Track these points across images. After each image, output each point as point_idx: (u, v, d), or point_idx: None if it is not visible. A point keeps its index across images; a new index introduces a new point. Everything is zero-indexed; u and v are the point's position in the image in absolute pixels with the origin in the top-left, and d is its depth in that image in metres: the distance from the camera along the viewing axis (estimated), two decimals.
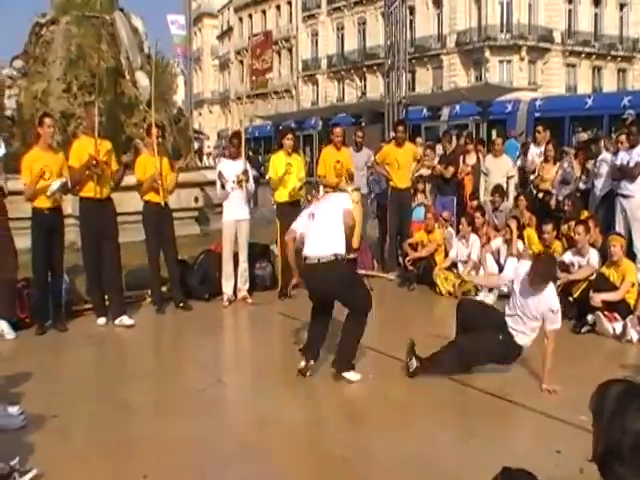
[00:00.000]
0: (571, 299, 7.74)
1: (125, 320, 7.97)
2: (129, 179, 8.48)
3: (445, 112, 27.12)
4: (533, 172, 11.21)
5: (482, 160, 11.92)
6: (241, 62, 68.87)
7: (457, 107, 26.71)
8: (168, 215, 8.64)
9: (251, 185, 9.16)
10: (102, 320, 8.02)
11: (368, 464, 4.49)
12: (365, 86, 54.29)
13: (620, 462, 2.31)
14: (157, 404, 5.52)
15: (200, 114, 68.96)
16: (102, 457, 4.61)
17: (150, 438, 4.88)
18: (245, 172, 8.91)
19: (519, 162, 12.31)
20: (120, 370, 6.66)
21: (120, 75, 13.77)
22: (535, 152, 12.38)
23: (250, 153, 22.41)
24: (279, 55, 63.68)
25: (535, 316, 5.85)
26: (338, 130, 10.46)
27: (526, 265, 6.01)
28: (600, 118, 21.49)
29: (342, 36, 57.88)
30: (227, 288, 8.96)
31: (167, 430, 4.98)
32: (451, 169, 11.34)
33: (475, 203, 10.82)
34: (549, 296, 5.81)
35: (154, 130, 8.48)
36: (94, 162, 7.62)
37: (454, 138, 12.24)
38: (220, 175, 8.97)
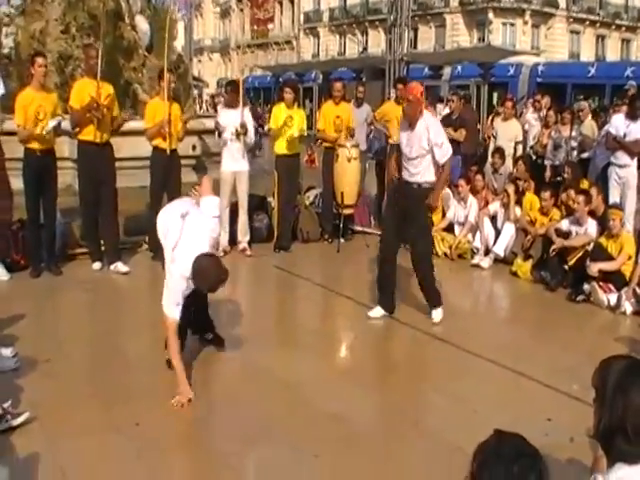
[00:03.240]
0: (566, 267, 7.75)
1: (120, 267, 7.94)
2: (129, 124, 8.37)
3: (447, 72, 26.86)
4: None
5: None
6: (242, 10, 67.88)
7: (459, 67, 26.45)
8: (176, 162, 8.52)
9: (250, 138, 9.02)
10: (97, 265, 7.99)
11: (358, 420, 4.51)
12: (367, 41, 53.63)
13: (623, 438, 2.31)
14: (150, 353, 5.50)
15: (200, 61, 68.15)
16: (94, 403, 4.62)
17: (142, 386, 4.90)
18: (243, 125, 8.76)
19: None
20: (114, 316, 6.66)
21: (119, 18, 13.48)
22: (532, 117, 12.32)
23: (250, 103, 22.14)
24: (281, 5, 62.79)
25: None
26: (338, 85, 10.31)
27: None
28: (602, 87, 21.37)
29: None
30: (223, 238, 8.91)
31: (159, 379, 5.00)
32: (463, 132, 11.23)
33: (474, 168, 10.75)
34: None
35: (166, 75, 8.30)
36: (95, 104, 7.50)
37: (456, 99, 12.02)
38: (217, 124, 8.89)
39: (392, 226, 6.68)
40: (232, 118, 8.85)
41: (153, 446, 4.08)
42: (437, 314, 6.60)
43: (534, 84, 22.30)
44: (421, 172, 6.40)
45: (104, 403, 4.63)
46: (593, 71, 22.86)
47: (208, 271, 4.56)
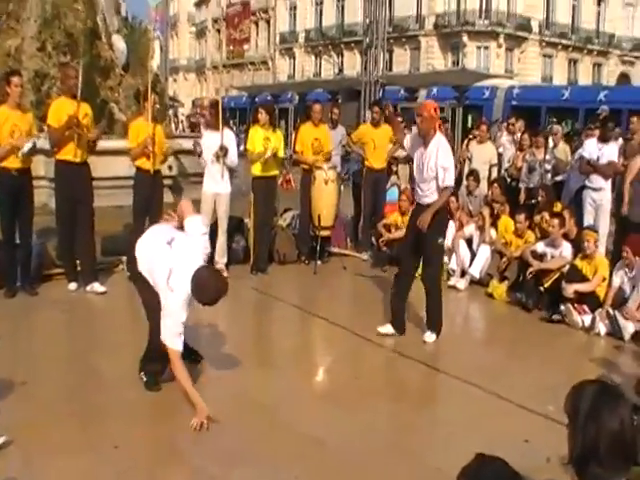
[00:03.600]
0: (542, 289, 7.84)
1: (96, 287, 7.88)
2: (105, 144, 8.34)
3: (422, 94, 27.07)
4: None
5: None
6: (218, 31, 68.08)
7: (435, 90, 26.69)
8: (159, 183, 8.52)
9: (230, 160, 8.97)
10: (73, 285, 7.92)
11: (337, 442, 4.52)
12: (342, 63, 54.01)
13: (597, 462, 2.36)
14: (128, 373, 5.46)
15: (175, 81, 68.15)
16: (73, 425, 4.58)
17: (121, 407, 4.85)
18: (222, 147, 8.77)
19: None
20: (91, 337, 6.60)
21: (96, 37, 13.50)
22: (507, 140, 12.48)
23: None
24: (257, 26, 63.09)
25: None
26: (317, 107, 10.36)
27: None
28: (576, 111, 21.68)
29: (320, 11, 57.40)
30: (219, 258, 8.91)
31: (138, 400, 4.97)
32: None
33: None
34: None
35: (150, 96, 8.31)
36: (76, 121, 7.48)
37: None
38: (195, 145, 8.90)
39: (408, 248, 6.84)
40: (214, 140, 8.84)
41: (132, 467, 4.06)
42: (430, 337, 6.69)
43: (509, 107, 22.58)
44: (430, 194, 6.54)
45: (82, 425, 4.60)
46: (567, 94, 23.21)
47: (208, 282, 4.56)
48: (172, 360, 4.68)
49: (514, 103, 23.27)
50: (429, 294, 6.80)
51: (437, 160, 6.41)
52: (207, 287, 4.54)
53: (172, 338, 4.66)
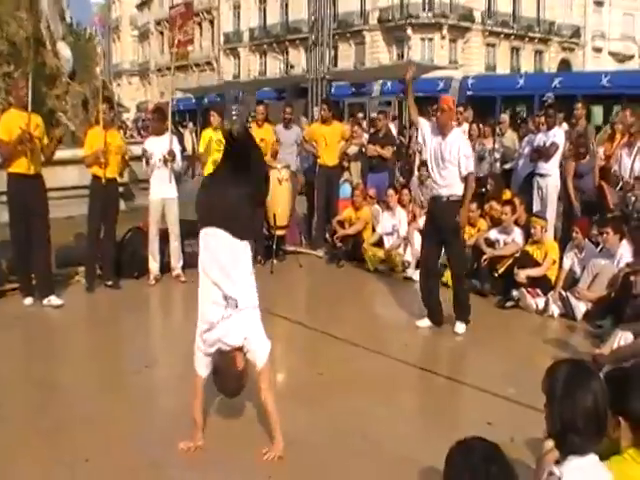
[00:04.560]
0: (496, 275, 8.01)
1: (53, 300, 7.76)
2: (61, 154, 8.29)
3: (376, 88, 27.07)
4: None
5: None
6: (161, 33, 67.48)
7: (389, 84, 26.73)
8: (113, 192, 8.47)
9: (178, 164, 8.98)
10: (29, 300, 7.75)
11: (307, 438, 4.58)
12: (287, 60, 54.00)
13: (575, 434, 2.61)
14: (93, 386, 5.46)
15: (119, 85, 67.32)
16: (41, 442, 4.55)
17: (89, 421, 4.82)
18: (170, 152, 8.73)
19: None
20: (52, 352, 6.50)
21: (41, 45, 13.28)
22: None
23: (179, 128, 22.02)
24: (200, 27, 62.66)
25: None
26: (260, 108, 10.45)
27: None
28: (531, 98, 21.81)
29: (264, 9, 57.35)
30: (153, 266, 8.86)
31: (106, 412, 4.94)
32: (390, 149, 11.45)
33: (402, 180, 10.99)
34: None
35: (101, 104, 8.27)
36: (28, 136, 7.40)
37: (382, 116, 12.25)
38: (144, 151, 8.84)
39: (430, 242, 7.02)
40: (159, 145, 8.81)
41: None
42: (461, 327, 6.88)
43: (464, 97, 22.66)
44: (449, 184, 6.74)
45: (51, 441, 4.56)
46: (522, 82, 23.37)
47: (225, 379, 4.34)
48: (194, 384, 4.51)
49: (470, 93, 23.36)
50: (456, 283, 7.03)
51: (460, 149, 6.66)
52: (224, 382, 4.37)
53: (200, 367, 4.52)
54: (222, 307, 4.28)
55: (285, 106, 12.02)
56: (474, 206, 8.84)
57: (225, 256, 4.30)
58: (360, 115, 17.04)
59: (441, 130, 6.76)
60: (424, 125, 7.02)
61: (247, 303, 4.40)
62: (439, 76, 26.25)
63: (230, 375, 4.26)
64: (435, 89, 24.36)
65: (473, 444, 2.44)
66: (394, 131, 13.27)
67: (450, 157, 6.66)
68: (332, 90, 24.06)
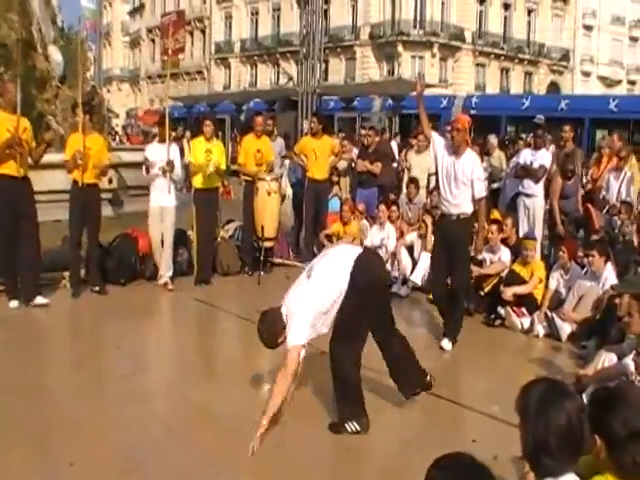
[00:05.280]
0: (482, 293, 8.06)
1: (39, 300, 7.78)
2: (49, 157, 8.27)
3: (376, 104, 26.96)
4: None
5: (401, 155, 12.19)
6: (152, 40, 67.53)
7: (389, 100, 26.68)
8: (93, 196, 8.44)
9: (177, 174, 8.98)
10: (14, 303, 7.73)
11: (294, 448, 4.60)
12: (278, 73, 54.15)
13: (548, 456, 2.54)
14: (79, 391, 5.44)
15: (109, 91, 67.24)
16: (26, 446, 4.52)
17: (74, 425, 4.82)
18: (169, 163, 8.73)
19: None
20: (38, 356, 6.45)
21: (31, 48, 13.26)
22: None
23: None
24: (191, 36, 62.75)
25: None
26: (259, 119, 10.43)
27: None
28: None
29: (256, 21, 57.53)
30: (164, 272, 8.90)
31: (91, 417, 4.93)
32: (379, 164, 11.48)
33: (392, 197, 11.04)
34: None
35: (79, 110, 8.29)
36: (18, 140, 7.39)
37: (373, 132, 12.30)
38: (145, 160, 8.81)
39: (440, 260, 7.05)
40: (161, 154, 8.82)
41: None
42: (448, 345, 6.89)
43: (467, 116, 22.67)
44: (459, 203, 6.80)
45: (36, 445, 4.55)
46: (527, 103, 23.29)
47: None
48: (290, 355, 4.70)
49: (473, 112, 23.33)
50: (454, 302, 7.02)
51: (473, 171, 6.72)
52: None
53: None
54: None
55: (267, 118, 12.04)
56: (494, 227, 8.63)
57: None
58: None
59: (455, 149, 6.80)
60: (437, 140, 7.04)
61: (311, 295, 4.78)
62: (441, 93, 26.16)
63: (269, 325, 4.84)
64: (438, 106, 24.29)
65: (452, 459, 2.42)
66: (395, 149, 13.27)
67: (463, 178, 6.71)
68: (321, 104, 24.09)
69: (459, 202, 6.81)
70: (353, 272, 4.70)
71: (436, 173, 7.50)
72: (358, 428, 4.82)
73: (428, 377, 5.33)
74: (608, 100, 21.22)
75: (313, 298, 4.75)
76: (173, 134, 19.12)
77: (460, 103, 25.01)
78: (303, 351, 4.76)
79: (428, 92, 26.82)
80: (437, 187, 7.30)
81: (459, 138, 6.76)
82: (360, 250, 5.08)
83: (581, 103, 22.72)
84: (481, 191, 6.82)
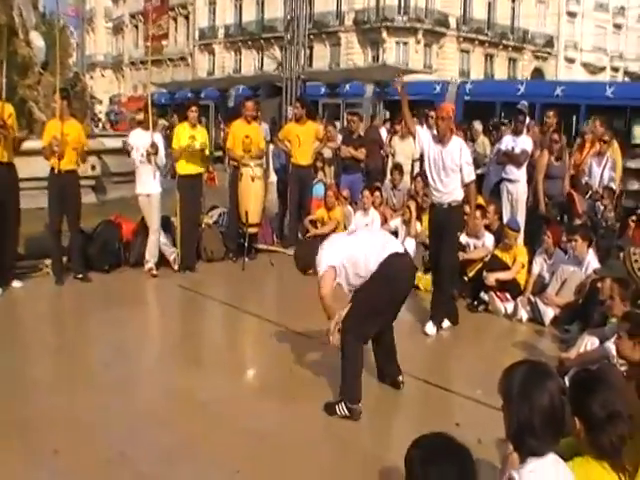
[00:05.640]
0: (466, 278, 8.09)
1: (14, 283, 7.86)
2: (25, 144, 8.22)
3: (368, 89, 26.69)
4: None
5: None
6: (136, 26, 66.98)
7: (389, 85, 26.26)
8: (72, 183, 8.36)
9: (161, 159, 8.93)
10: None
11: (276, 434, 4.61)
12: (262, 59, 53.92)
13: (532, 436, 2.59)
14: (61, 379, 5.44)
15: (92, 77, 66.67)
16: (8, 436, 4.49)
17: (57, 413, 4.81)
18: (153, 145, 8.70)
19: None
20: (20, 344, 6.44)
21: (13, 33, 13.11)
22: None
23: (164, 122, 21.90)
24: (175, 22, 62.28)
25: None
26: (250, 104, 10.35)
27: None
28: (532, 106, 21.34)
29: (240, 6, 57.11)
30: (150, 257, 8.89)
31: (74, 405, 4.93)
32: (363, 150, 11.47)
33: (376, 183, 11.05)
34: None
35: (57, 95, 8.21)
36: (1, 124, 7.35)
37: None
38: (125, 144, 8.77)
39: (433, 244, 7.16)
40: (144, 139, 8.77)
41: (73, 471, 4.05)
42: (431, 329, 6.89)
43: (462, 102, 22.32)
44: (450, 191, 6.82)
45: (19, 434, 4.52)
46: (522, 89, 22.93)
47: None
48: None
49: (467, 98, 23.07)
50: (439, 286, 7.08)
51: (461, 156, 6.75)
52: None
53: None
54: None
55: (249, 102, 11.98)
56: (478, 213, 8.78)
57: None
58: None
59: (441, 138, 6.81)
60: (422, 134, 7.05)
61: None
62: (435, 79, 25.85)
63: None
64: (431, 92, 23.98)
65: (430, 438, 2.45)
66: (385, 135, 13.24)
67: (452, 165, 6.73)
68: (305, 90, 23.95)
69: (450, 190, 6.82)
70: (389, 259, 4.90)
71: (421, 165, 7.52)
72: (347, 413, 4.87)
73: (400, 377, 5.45)
74: (605, 87, 21.07)
75: (346, 244, 5.15)
76: (166, 123, 19.08)
77: (454, 89, 24.51)
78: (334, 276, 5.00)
79: (416, 78, 26.85)
80: (425, 178, 7.28)
81: (444, 126, 6.77)
82: (402, 249, 5.29)
83: (577, 89, 22.31)
84: (470, 174, 6.84)
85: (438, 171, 6.82)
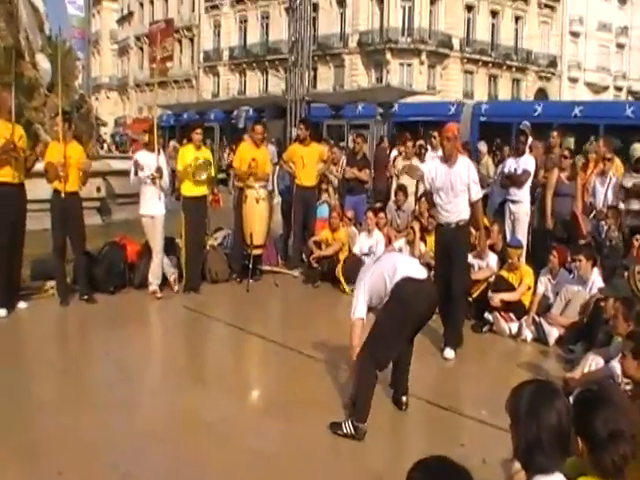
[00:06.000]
0: (470, 299, 8.08)
1: (20, 305, 7.90)
2: (37, 166, 8.27)
3: (379, 110, 26.33)
4: None
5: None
6: (141, 48, 67.52)
7: (395, 106, 25.89)
8: (74, 205, 8.38)
9: (165, 182, 8.95)
10: (3, 312, 7.68)
11: (283, 454, 4.61)
12: (267, 80, 54.28)
13: (541, 454, 2.60)
14: (66, 399, 5.43)
15: (97, 99, 67.14)
16: (13, 457, 4.49)
17: (61, 434, 4.80)
18: (158, 169, 8.74)
19: None
20: (24, 365, 6.46)
21: (19, 56, 13.26)
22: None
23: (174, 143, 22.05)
24: (180, 44, 62.76)
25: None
26: (259, 128, 10.39)
27: None
28: (549, 126, 21.00)
29: (245, 29, 57.63)
30: (153, 279, 8.88)
31: (78, 426, 4.92)
32: (367, 171, 11.52)
33: (379, 205, 11.08)
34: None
35: (59, 118, 8.28)
36: (13, 146, 7.42)
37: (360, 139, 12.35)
38: (136, 163, 8.74)
39: (445, 269, 6.94)
40: (148, 161, 8.80)
41: None
42: (450, 353, 6.80)
43: (477, 124, 22.13)
44: (458, 211, 6.81)
45: (23, 456, 4.53)
46: (540, 110, 22.39)
47: None
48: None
49: (483, 119, 22.84)
50: (453, 308, 6.94)
51: (469, 175, 6.76)
52: None
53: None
54: None
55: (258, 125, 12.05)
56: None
57: None
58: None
59: (447, 158, 6.78)
60: (428, 169, 7.04)
61: None
62: (450, 101, 25.47)
63: None
64: (446, 113, 23.81)
65: (431, 462, 2.45)
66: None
67: (461, 185, 6.72)
68: (310, 111, 24.03)
69: (458, 210, 6.82)
70: (402, 283, 4.97)
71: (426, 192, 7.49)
72: (353, 432, 4.88)
73: (404, 397, 5.47)
74: (624, 106, 20.86)
75: (371, 281, 5.18)
76: (177, 145, 19.17)
77: (469, 110, 24.24)
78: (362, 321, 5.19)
79: (427, 99, 26.59)
80: (430, 198, 7.21)
81: (450, 147, 6.75)
82: (424, 274, 5.25)
83: (596, 109, 22.06)
84: (478, 193, 6.85)
85: (447, 192, 6.80)
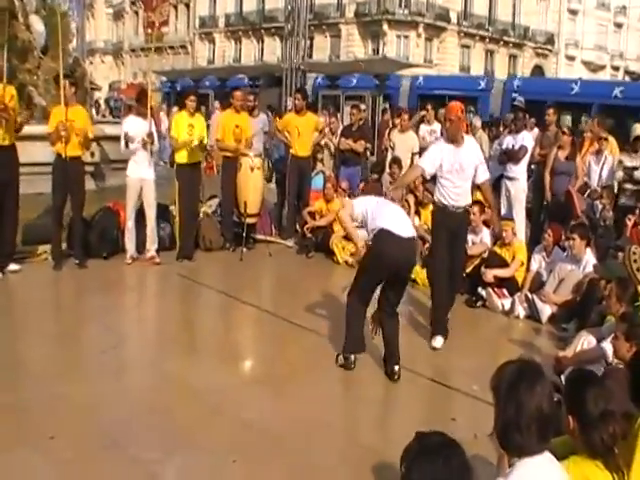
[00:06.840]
0: (464, 274, 8.08)
1: (12, 266, 7.84)
2: (31, 129, 8.21)
3: (405, 82, 25.57)
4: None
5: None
6: (136, 13, 66.74)
7: (420, 79, 25.43)
8: (76, 169, 8.33)
9: (156, 146, 8.92)
10: None
11: (271, 424, 4.62)
12: (262, 49, 53.84)
13: (517, 433, 2.60)
14: (58, 365, 5.43)
15: (91, 63, 66.43)
16: (4, 419, 4.49)
17: (54, 399, 4.80)
18: (150, 134, 8.65)
19: None
20: (16, 329, 6.45)
21: (13, 17, 13.06)
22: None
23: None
24: (176, 9, 62.14)
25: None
26: (239, 94, 10.34)
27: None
28: (588, 106, 19.57)
29: None
30: (129, 246, 8.80)
31: (70, 391, 4.92)
32: (362, 143, 11.46)
33: (375, 176, 11.04)
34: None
35: (61, 81, 8.18)
36: (3, 106, 7.33)
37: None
38: (126, 135, 8.68)
39: (443, 246, 6.64)
40: (141, 127, 8.71)
41: (70, 458, 4.05)
42: (439, 341, 6.50)
43: (509, 100, 21.57)
44: (464, 193, 6.63)
45: (14, 419, 4.52)
46: (577, 89, 21.50)
47: None
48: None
49: (515, 95, 21.92)
50: (452, 286, 6.80)
51: (477, 156, 6.64)
52: None
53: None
54: None
55: (249, 94, 11.96)
56: (476, 209, 8.27)
57: None
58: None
59: (452, 140, 6.50)
60: (434, 154, 6.63)
61: None
62: (480, 75, 24.81)
63: None
64: (475, 88, 23.37)
65: (431, 438, 2.46)
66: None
67: (468, 167, 6.51)
68: (305, 81, 23.83)
69: (464, 191, 6.60)
70: (380, 234, 5.43)
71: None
72: (343, 362, 5.61)
73: (397, 367, 5.54)
74: None
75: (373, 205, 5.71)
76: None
77: (500, 86, 23.45)
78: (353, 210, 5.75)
79: (444, 71, 25.93)
80: (439, 182, 6.87)
81: (453, 128, 6.49)
82: (409, 233, 5.52)
83: (636, 90, 21.43)
84: (485, 172, 6.69)
85: (454, 174, 6.51)
